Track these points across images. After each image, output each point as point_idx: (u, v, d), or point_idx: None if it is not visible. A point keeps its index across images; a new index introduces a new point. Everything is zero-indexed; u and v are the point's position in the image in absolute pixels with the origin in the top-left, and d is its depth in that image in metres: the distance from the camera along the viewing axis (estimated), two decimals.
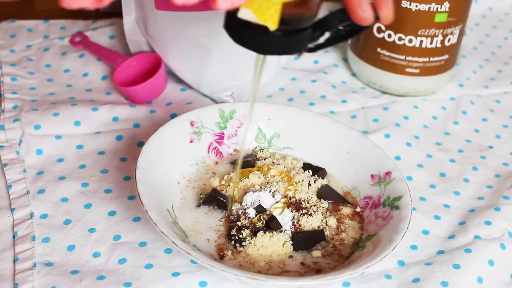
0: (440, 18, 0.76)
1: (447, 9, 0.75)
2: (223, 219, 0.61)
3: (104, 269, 0.58)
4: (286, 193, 0.62)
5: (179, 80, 0.81)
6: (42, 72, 0.82)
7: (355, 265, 0.54)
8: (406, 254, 0.62)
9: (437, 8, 0.75)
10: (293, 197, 0.62)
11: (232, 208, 0.61)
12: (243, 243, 0.58)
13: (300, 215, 0.60)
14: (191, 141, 0.66)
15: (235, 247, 0.58)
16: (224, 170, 0.66)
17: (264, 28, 0.48)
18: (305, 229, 0.60)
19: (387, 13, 0.54)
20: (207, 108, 0.68)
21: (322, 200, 0.63)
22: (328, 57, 0.88)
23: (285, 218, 0.60)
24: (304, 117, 0.69)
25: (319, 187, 0.64)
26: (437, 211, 0.67)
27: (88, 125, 0.73)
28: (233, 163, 0.67)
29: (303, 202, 0.61)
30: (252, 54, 0.80)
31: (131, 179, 0.67)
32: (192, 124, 0.66)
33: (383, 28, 0.78)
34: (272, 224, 0.59)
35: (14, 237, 0.61)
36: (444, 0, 0.75)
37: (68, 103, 0.75)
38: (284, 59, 0.83)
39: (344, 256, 0.59)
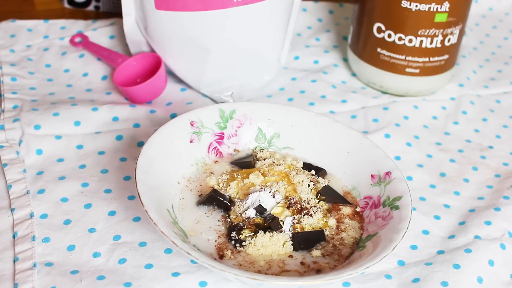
0: (440, 18, 0.76)
1: (447, 9, 0.75)
2: (223, 219, 0.61)
3: (104, 269, 0.58)
4: (286, 193, 0.62)
5: (179, 80, 0.81)
6: (42, 72, 0.82)
7: (355, 265, 0.54)
8: (406, 254, 0.62)
9: (437, 8, 0.75)
10: (293, 198, 0.62)
11: (232, 208, 0.61)
12: (243, 243, 0.58)
13: (300, 216, 0.60)
14: (191, 141, 0.66)
15: (235, 247, 0.58)
16: (222, 169, 0.66)
17: None
18: (305, 229, 0.60)
19: None
20: (207, 108, 0.68)
21: (322, 200, 0.63)
22: (328, 57, 0.88)
23: (285, 218, 0.60)
24: (304, 117, 0.69)
25: (319, 187, 0.64)
26: (437, 211, 0.67)
27: (88, 125, 0.73)
28: (232, 163, 0.67)
29: (303, 203, 0.61)
30: (251, 54, 0.80)
31: (131, 179, 0.67)
32: (192, 124, 0.66)
33: (383, 28, 0.78)
34: (272, 224, 0.59)
35: (14, 237, 0.61)
36: (444, 0, 0.75)
37: (68, 103, 0.75)
38: (284, 59, 0.83)
39: (344, 256, 0.59)
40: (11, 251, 0.59)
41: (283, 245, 0.58)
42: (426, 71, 0.80)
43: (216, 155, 0.67)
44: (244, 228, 0.59)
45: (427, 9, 0.75)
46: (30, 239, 0.60)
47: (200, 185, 0.64)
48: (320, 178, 0.65)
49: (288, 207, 0.61)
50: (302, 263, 0.58)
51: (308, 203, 0.62)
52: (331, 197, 0.63)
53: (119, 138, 0.72)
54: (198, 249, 0.57)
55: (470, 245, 0.62)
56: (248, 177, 0.63)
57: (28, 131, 0.71)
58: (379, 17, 0.78)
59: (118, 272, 0.58)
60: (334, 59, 0.88)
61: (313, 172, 0.66)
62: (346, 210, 0.63)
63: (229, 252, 0.57)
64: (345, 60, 0.88)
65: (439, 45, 0.78)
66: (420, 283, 0.59)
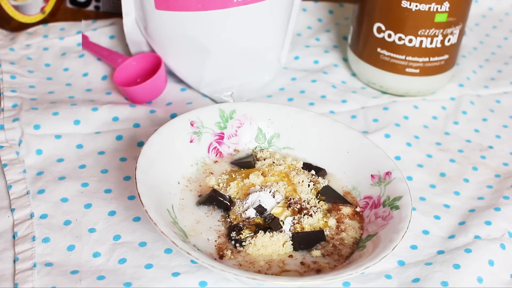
0: (440, 18, 0.76)
1: (447, 9, 0.75)
2: (223, 219, 0.61)
3: (104, 269, 0.58)
4: (286, 193, 0.62)
5: (179, 80, 0.81)
6: (41, 71, 0.81)
7: (355, 265, 0.54)
8: (406, 254, 0.62)
9: (437, 8, 0.75)
10: (293, 198, 0.62)
11: (232, 208, 0.61)
12: (243, 243, 0.58)
13: (300, 216, 0.60)
14: (191, 141, 0.66)
15: (235, 247, 0.58)
16: (222, 169, 0.66)
17: None
18: (305, 229, 0.60)
19: None
20: (207, 108, 0.68)
21: (322, 200, 0.63)
22: (328, 57, 0.88)
23: (285, 218, 0.60)
24: (304, 117, 0.69)
25: (319, 187, 0.64)
26: (437, 211, 0.67)
27: (88, 125, 0.73)
28: (232, 163, 0.67)
29: (303, 203, 0.61)
30: (251, 54, 0.80)
31: (131, 179, 0.67)
32: (192, 124, 0.66)
33: (383, 28, 0.78)
34: (272, 224, 0.59)
35: (14, 237, 0.61)
36: (444, 0, 0.75)
37: (67, 103, 0.75)
38: (284, 59, 0.83)
39: (344, 256, 0.59)
40: (11, 251, 0.59)
41: (283, 245, 0.58)
42: (426, 71, 0.80)
43: (216, 155, 0.67)
44: (244, 228, 0.59)
45: (427, 9, 0.75)
46: (30, 239, 0.60)
47: (200, 185, 0.64)
48: (320, 178, 0.65)
49: (288, 207, 0.61)
50: (302, 263, 0.58)
51: (308, 203, 0.62)
52: (331, 197, 0.63)
53: (119, 138, 0.72)
54: (198, 249, 0.57)
55: (470, 245, 0.62)
56: (248, 177, 0.63)
57: (28, 131, 0.71)
58: (379, 17, 0.78)
59: (118, 272, 0.58)
60: (334, 59, 0.88)
61: (313, 172, 0.66)
62: (346, 210, 0.63)
63: (229, 252, 0.57)
64: (345, 60, 0.88)
65: (439, 45, 0.78)
66: (420, 283, 0.59)
